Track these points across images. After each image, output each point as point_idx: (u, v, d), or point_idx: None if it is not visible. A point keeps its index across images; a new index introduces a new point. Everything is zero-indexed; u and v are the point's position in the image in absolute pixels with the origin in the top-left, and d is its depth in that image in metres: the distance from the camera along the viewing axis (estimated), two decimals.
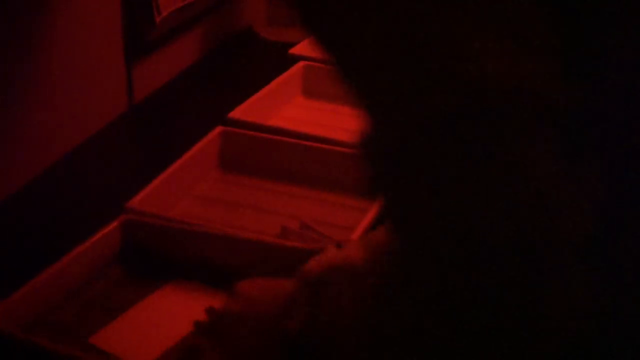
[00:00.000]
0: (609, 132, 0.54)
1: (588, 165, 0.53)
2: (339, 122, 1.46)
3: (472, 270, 0.52)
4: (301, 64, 1.55)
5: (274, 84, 1.49)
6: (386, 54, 0.52)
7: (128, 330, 0.99)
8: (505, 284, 0.52)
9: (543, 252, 0.51)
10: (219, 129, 1.33)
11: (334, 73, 0.58)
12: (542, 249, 0.51)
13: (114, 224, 1.09)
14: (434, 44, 0.50)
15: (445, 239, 0.53)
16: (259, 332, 0.81)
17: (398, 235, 0.58)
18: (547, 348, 0.55)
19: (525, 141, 0.50)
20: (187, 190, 1.25)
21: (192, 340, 0.90)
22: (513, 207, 0.50)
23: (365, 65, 0.54)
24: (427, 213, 0.53)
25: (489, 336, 0.54)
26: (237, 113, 1.38)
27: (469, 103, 0.49)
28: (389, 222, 0.60)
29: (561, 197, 0.51)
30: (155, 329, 0.99)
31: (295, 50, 1.61)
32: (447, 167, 0.51)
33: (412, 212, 0.54)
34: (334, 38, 0.57)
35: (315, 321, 0.75)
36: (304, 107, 1.52)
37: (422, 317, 0.57)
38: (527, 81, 0.49)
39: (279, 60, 1.59)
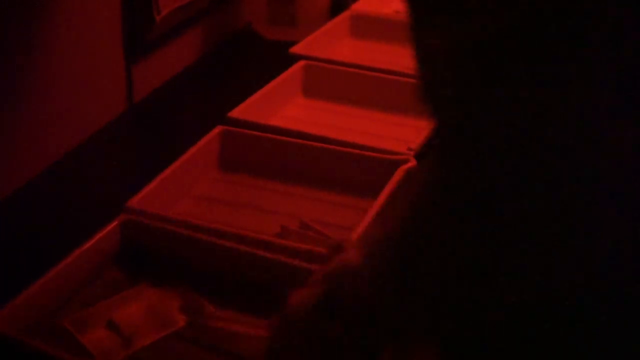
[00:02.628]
0: None
1: (631, 120, 0.56)
2: (339, 122, 1.46)
3: (523, 179, 0.56)
4: (301, 63, 1.55)
5: (274, 83, 1.49)
6: None
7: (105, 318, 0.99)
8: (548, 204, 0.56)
9: (582, 177, 0.55)
10: (218, 128, 1.33)
11: None
12: (581, 174, 0.55)
13: (114, 224, 1.09)
14: None
15: (501, 147, 0.57)
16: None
17: (446, 151, 0.62)
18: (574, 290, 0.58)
19: (582, 80, 0.54)
20: (186, 190, 1.25)
21: None
22: (559, 125, 0.55)
23: None
24: (485, 120, 0.57)
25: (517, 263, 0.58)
26: (237, 112, 1.38)
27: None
28: (439, 142, 0.64)
29: (602, 134, 0.55)
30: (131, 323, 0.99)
31: (296, 49, 1.60)
32: (511, 75, 0.56)
33: (469, 119, 0.58)
34: None
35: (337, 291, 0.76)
36: (304, 107, 1.52)
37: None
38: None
39: (279, 59, 1.58)
